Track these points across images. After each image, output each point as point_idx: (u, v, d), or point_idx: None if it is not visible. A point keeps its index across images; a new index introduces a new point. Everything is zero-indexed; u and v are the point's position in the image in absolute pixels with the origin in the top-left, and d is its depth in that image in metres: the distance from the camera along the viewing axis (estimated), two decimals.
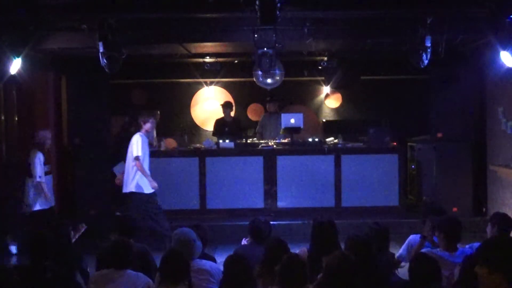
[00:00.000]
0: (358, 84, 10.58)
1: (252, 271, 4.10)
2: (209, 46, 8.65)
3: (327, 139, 9.58)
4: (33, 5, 6.12)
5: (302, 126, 9.26)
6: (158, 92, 11.08)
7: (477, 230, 7.80)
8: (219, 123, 10.19)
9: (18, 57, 6.42)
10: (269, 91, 9.48)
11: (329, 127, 10.64)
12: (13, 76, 6.81)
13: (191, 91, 11.35)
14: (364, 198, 8.96)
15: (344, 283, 3.43)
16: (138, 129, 7.75)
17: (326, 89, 11.26)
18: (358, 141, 9.46)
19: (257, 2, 5.60)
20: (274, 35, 6.42)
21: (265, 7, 5.62)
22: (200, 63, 10.32)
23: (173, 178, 8.84)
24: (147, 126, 7.69)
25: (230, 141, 9.25)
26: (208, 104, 11.30)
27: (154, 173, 7.83)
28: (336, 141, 9.61)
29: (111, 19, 6.48)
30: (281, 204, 9.00)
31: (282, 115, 9.52)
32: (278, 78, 8.58)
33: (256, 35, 6.46)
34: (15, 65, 6.48)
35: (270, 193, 9.00)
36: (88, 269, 5.03)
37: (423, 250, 4.77)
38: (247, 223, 5.34)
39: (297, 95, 11.22)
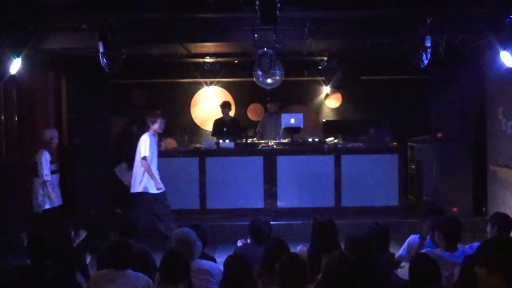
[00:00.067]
0: (358, 84, 10.58)
1: (252, 271, 4.10)
2: (209, 46, 8.65)
3: (327, 139, 9.58)
4: (33, 5, 6.12)
5: (302, 126, 9.26)
6: (158, 92, 11.08)
7: (477, 230, 7.81)
8: (218, 123, 10.20)
9: (18, 57, 6.41)
10: (269, 91, 9.48)
11: (329, 127, 10.64)
12: (13, 76, 6.81)
13: (191, 91, 11.36)
14: (364, 198, 8.95)
15: (344, 283, 3.43)
16: (146, 129, 7.76)
17: (326, 89, 11.26)
18: (358, 141, 9.45)
19: (257, 2, 5.60)
20: (274, 35, 6.42)
21: (265, 7, 5.62)
22: (200, 63, 10.32)
23: (173, 178, 8.83)
24: (155, 126, 7.68)
25: (230, 141, 9.25)
26: (208, 104, 11.30)
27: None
28: (336, 141, 9.61)
29: (111, 19, 6.48)
30: (281, 204, 9.00)
31: (282, 115, 9.52)
32: (278, 78, 8.58)
33: (256, 35, 6.46)
34: (15, 65, 6.48)
35: (270, 193, 9.00)
36: (90, 269, 5.05)
37: (423, 250, 4.77)
38: (247, 223, 5.34)
39: (297, 95, 11.22)
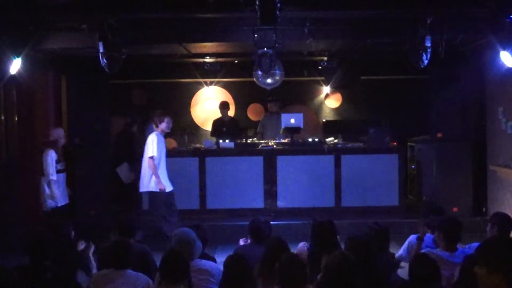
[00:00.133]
0: (358, 84, 10.57)
1: (252, 271, 4.10)
2: (209, 46, 8.64)
3: (327, 139, 9.58)
4: (33, 5, 6.12)
5: (302, 126, 9.25)
6: (158, 92, 11.08)
7: (477, 230, 7.79)
8: (217, 123, 10.20)
9: (18, 57, 6.41)
10: (269, 91, 9.47)
11: (329, 127, 10.64)
12: (13, 76, 6.81)
13: (191, 91, 11.36)
14: (364, 198, 8.95)
15: (344, 283, 3.43)
16: (148, 129, 7.76)
17: (326, 89, 11.26)
18: (358, 141, 9.45)
19: (257, 2, 5.60)
20: (274, 35, 6.43)
21: (265, 7, 5.62)
22: (200, 63, 10.32)
23: (173, 178, 8.80)
24: (163, 125, 7.66)
25: (230, 141, 9.25)
26: (208, 104, 11.30)
27: None
28: (336, 141, 9.61)
29: (111, 19, 6.48)
30: (281, 204, 8.99)
31: (282, 115, 9.51)
32: (278, 78, 8.58)
33: (256, 35, 6.46)
34: (15, 65, 6.48)
35: (270, 193, 8.99)
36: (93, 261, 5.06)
37: (423, 250, 4.77)
38: (247, 223, 5.35)
39: (297, 95, 11.22)
